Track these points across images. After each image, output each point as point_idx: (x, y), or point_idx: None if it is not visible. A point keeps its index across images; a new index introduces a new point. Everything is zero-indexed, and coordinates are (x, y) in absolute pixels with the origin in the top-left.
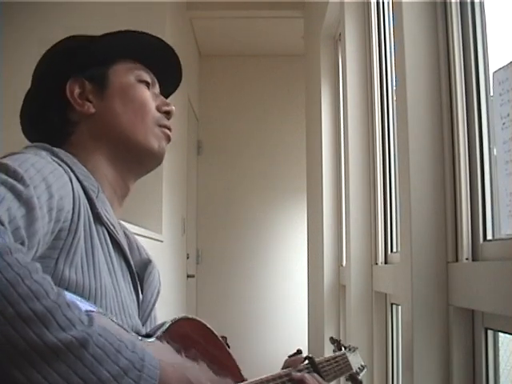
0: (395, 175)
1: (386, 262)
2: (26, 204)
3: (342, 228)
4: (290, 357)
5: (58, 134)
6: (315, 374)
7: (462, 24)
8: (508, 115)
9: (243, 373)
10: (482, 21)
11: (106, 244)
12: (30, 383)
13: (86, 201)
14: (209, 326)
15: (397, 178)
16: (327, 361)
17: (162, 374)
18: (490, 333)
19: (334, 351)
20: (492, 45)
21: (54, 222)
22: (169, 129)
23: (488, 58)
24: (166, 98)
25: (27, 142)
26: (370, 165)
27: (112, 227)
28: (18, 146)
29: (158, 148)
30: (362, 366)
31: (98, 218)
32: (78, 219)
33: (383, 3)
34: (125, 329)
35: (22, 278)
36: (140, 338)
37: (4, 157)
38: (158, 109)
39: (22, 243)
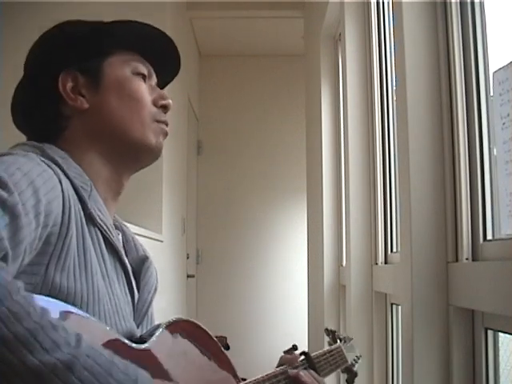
0: (395, 175)
1: (386, 262)
2: (10, 212)
3: (342, 228)
4: (285, 352)
5: (51, 129)
6: (311, 371)
7: (461, 24)
8: (508, 115)
9: (240, 373)
10: (482, 21)
11: (99, 245)
12: None
13: (77, 202)
14: (203, 327)
15: (397, 177)
16: (323, 355)
17: None
18: (490, 333)
19: (329, 343)
20: (492, 45)
21: (42, 227)
22: (166, 124)
23: (488, 58)
24: (164, 87)
25: None
26: (370, 165)
27: (105, 227)
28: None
29: (156, 143)
30: (357, 356)
31: (90, 219)
32: (69, 222)
33: (383, 3)
34: (117, 339)
35: (2, 299)
36: (134, 345)
37: None
38: (155, 103)
39: (6, 255)
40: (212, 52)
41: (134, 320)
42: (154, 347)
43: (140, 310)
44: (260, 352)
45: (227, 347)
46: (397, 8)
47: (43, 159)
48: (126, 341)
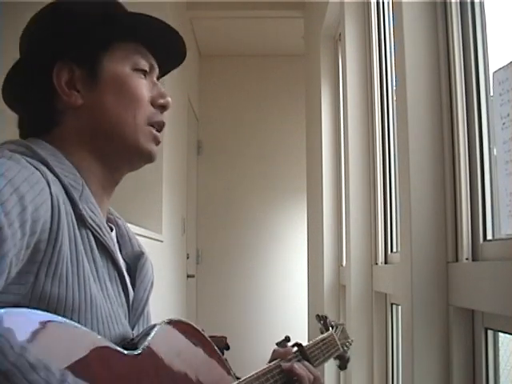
0: (395, 175)
1: (386, 262)
2: None
3: (342, 228)
4: (277, 344)
5: (43, 123)
6: (305, 362)
7: (461, 24)
8: (508, 115)
9: (240, 373)
10: (482, 21)
11: (91, 248)
12: None
13: (67, 203)
14: (196, 326)
15: (397, 177)
16: (316, 344)
17: None
18: (490, 333)
19: (321, 330)
20: (492, 45)
21: (29, 235)
22: (162, 124)
23: (488, 58)
24: (166, 74)
25: None
26: (370, 165)
27: (97, 228)
28: None
29: (147, 149)
30: (349, 342)
31: (81, 220)
32: (58, 227)
33: (383, 3)
34: (107, 347)
35: None
36: (126, 352)
37: None
38: (153, 102)
39: None
40: (212, 52)
41: (129, 320)
42: (147, 352)
43: (136, 310)
44: (260, 352)
45: (227, 347)
46: (397, 8)
47: (30, 160)
48: (119, 348)
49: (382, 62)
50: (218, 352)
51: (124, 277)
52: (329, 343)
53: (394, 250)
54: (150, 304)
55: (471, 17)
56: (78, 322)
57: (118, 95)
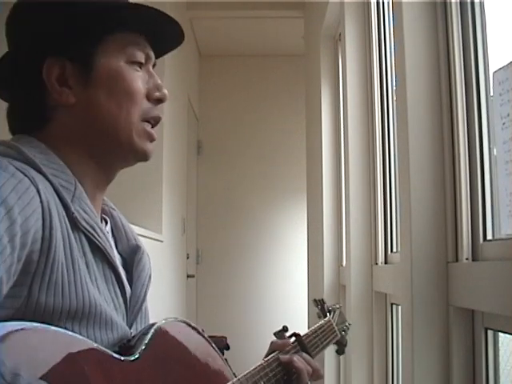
0: (395, 175)
1: (386, 262)
2: None
3: (342, 228)
4: (275, 334)
5: (33, 119)
6: (303, 354)
7: (461, 24)
8: (508, 115)
9: (239, 373)
10: (482, 21)
11: (85, 251)
12: None
13: (59, 206)
14: (193, 325)
15: (397, 177)
16: (314, 333)
17: None
18: (490, 333)
19: (318, 314)
20: (492, 45)
21: (20, 248)
22: (158, 119)
23: (488, 58)
24: (163, 54)
25: None
26: (370, 165)
27: (91, 230)
28: None
29: (142, 147)
30: (346, 326)
31: (74, 223)
32: (51, 234)
33: (383, 3)
34: (104, 353)
35: None
36: (122, 358)
37: None
38: (149, 96)
39: None
40: (212, 52)
41: (127, 318)
42: (144, 356)
43: (133, 307)
44: (260, 352)
45: (227, 347)
46: (397, 8)
47: (19, 165)
48: (115, 355)
49: (382, 62)
50: (218, 352)
51: (120, 276)
52: (326, 330)
53: (394, 250)
54: (149, 303)
55: (471, 17)
56: (74, 329)
57: (112, 91)
